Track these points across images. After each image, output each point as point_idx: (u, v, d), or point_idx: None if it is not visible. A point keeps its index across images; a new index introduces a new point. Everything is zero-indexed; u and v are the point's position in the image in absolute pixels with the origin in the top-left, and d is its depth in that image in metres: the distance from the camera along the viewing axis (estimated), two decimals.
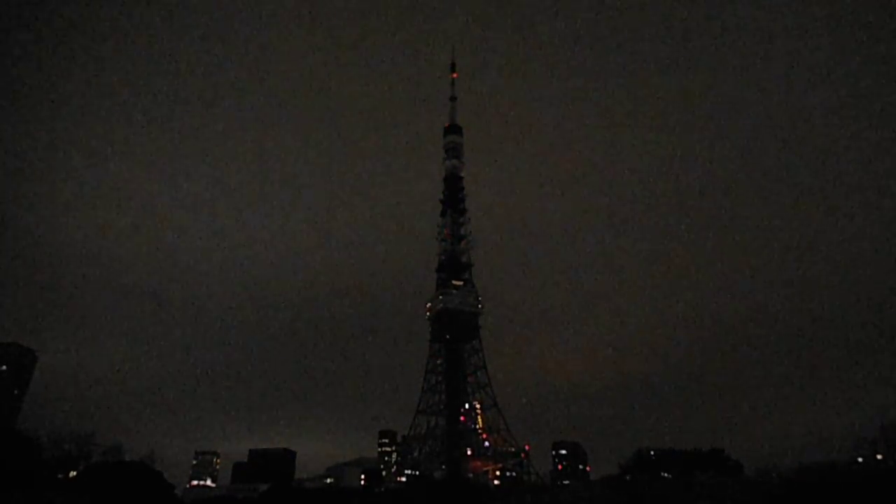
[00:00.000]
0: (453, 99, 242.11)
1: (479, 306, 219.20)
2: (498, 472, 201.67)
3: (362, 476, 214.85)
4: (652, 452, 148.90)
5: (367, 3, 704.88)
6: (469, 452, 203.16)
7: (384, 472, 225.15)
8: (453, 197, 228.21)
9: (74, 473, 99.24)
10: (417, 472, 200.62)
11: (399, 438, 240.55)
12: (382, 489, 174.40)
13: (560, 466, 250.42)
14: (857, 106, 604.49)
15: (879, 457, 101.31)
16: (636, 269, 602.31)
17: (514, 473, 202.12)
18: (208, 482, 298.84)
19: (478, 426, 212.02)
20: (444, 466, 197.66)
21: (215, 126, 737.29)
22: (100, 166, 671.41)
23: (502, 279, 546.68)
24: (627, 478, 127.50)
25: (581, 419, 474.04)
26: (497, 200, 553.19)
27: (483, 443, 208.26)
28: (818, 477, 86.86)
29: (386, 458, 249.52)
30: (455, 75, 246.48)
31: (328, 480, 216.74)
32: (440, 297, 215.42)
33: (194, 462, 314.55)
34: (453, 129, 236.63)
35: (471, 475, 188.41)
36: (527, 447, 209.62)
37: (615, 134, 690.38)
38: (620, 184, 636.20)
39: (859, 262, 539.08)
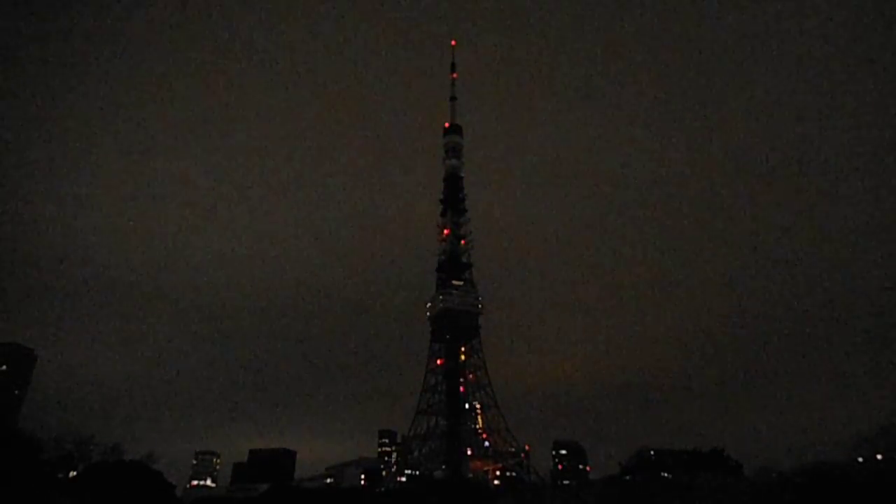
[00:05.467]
0: (453, 99, 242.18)
1: (479, 306, 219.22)
2: (498, 472, 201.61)
3: (362, 476, 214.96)
4: (652, 452, 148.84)
5: (366, 2, 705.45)
6: (469, 452, 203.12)
7: (384, 472, 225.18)
8: (453, 197, 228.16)
9: (74, 473, 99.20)
10: (417, 472, 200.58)
11: (399, 438, 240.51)
12: (382, 489, 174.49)
13: (560, 466, 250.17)
14: (857, 106, 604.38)
15: (879, 457, 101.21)
16: (637, 269, 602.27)
17: (514, 473, 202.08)
18: (208, 482, 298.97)
19: (478, 426, 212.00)
20: (444, 466, 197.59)
21: (215, 127, 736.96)
22: (99, 167, 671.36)
23: (502, 279, 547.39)
24: (627, 478, 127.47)
25: (581, 419, 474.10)
26: (497, 200, 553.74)
27: (483, 443, 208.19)
28: (818, 477, 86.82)
29: (386, 458, 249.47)
30: (455, 75, 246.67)
31: (328, 480, 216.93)
32: (440, 297, 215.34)
33: (194, 462, 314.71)
34: (453, 129, 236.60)
35: (471, 475, 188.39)
36: (527, 447, 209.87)
37: (616, 134, 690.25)
38: (621, 184, 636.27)
39: (859, 261, 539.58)
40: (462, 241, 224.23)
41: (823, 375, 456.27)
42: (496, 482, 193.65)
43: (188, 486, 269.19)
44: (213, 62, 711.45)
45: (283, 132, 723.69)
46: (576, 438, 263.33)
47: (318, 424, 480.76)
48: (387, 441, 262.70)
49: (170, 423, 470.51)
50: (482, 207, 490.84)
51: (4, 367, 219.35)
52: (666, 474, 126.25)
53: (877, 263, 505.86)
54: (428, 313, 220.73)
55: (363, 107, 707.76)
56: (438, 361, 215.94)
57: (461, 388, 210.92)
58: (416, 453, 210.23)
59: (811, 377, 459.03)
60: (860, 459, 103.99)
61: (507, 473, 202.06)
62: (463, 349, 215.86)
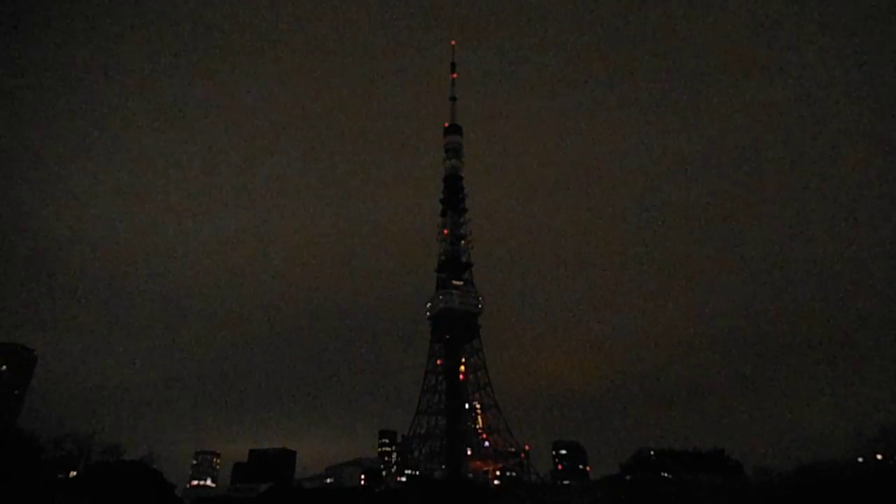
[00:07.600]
0: (453, 99, 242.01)
1: (479, 306, 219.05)
2: (498, 472, 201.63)
3: (362, 476, 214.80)
4: (652, 452, 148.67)
5: (367, 2, 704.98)
6: (469, 452, 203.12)
7: (384, 472, 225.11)
8: (453, 197, 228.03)
9: (74, 473, 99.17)
10: (417, 472, 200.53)
11: (399, 438, 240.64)
12: (382, 489, 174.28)
13: (560, 466, 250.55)
14: (859, 106, 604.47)
15: (879, 457, 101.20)
16: (637, 269, 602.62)
17: (514, 473, 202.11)
18: (208, 482, 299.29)
19: (478, 426, 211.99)
20: (444, 466, 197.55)
21: (216, 127, 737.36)
22: (100, 167, 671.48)
23: (502, 279, 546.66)
24: (627, 478, 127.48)
25: (581, 419, 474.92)
26: (497, 200, 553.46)
27: (483, 443, 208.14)
28: (818, 477, 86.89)
29: (386, 458, 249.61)
30: (455, 75, 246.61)
31: (328, 480, 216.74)
32: (440, 297, 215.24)
33: (194, 462, 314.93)
34: (453, 129, 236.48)
35: (471, 475, 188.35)
36: (527, 447, 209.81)
37: (616, 134, 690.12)
38: (621, 183, 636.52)
39: (859, 261, 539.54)
40: (462, 241, 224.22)
41: (823, 375, 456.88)
42: (496, 482, 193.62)
43: (188, 486, 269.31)
44: (212, 61, 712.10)
45: (282, 133, 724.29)
46: (576, 438, 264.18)
47: (318, 424, 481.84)
48: (387, 441, 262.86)
49: (170, 423, 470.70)
50: (482, 207, 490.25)
51: (4, 367, 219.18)
52: (666, 474, 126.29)
53: (879, 263, 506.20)
54: (428, 313, 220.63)
55: (363, 107, 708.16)
56: (438, 361, 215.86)
57: (461, 389, 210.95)
58: (416, 453, 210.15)
59: (811, 377, 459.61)
60: (860, 459, 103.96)
61: (507, 473, 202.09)
62: (463, 349, 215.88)
